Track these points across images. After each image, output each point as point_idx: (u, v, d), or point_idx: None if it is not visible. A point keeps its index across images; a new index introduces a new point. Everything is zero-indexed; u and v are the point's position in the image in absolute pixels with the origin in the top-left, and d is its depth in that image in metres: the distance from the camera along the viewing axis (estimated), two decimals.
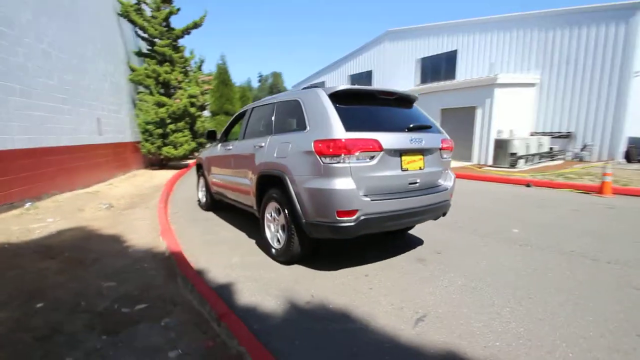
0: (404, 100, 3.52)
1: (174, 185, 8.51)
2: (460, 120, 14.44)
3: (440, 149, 3.35)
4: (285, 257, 3.26)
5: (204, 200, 5.84)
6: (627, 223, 4.68)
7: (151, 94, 10.96)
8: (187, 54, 12.27)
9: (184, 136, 11.69)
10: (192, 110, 11.46)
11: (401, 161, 3.00)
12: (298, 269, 3.17)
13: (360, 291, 2.73)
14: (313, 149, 2.81)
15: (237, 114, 4.85)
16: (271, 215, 3.47)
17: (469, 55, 17.61)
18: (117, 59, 10.08)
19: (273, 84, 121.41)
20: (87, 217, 5.06)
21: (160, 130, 10.90)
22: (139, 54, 11.37)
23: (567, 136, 14.24)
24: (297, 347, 1.96)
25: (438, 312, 2.38)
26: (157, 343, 1.96)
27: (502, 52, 16.30)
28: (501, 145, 11.82)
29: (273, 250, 3.40)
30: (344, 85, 3.31)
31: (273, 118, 3.62)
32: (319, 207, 2.80)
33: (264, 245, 3.66)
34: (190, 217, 5.35)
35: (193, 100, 11.50)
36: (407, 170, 3.04)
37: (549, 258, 3.40)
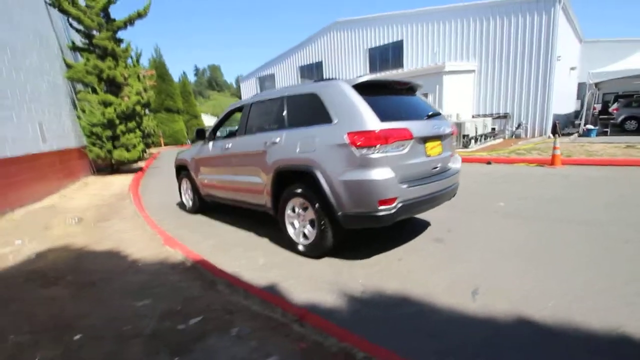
0: (411, 90, 3.66)
1: (138, 191, 7.83)
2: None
3: (451, 134, 3.57)
4: (317, 251, 3.24)
5: (190, 203, 5.49)
6: (586, 189, 5.43)
7: (94, 92, 9.82)
8: (122, 45, 11.15)
9: (136, 137, 10.75)
10: (138, 108, 10.54)
11: (425, 148, 3.15)
12: (331, 262, 3.18)
13: (403, 274, 2.84)
14: (347, 141, 2.81)
15: (228, 110, 4.60)
16: (294, 212, 3.41)
17: (415, 44, 18.55)
18: (52, 54, 8.83)
19: (211, 78, 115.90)
20: (59, 234, 4.46)
21: (109, 132, 9.86)
22: (74, 47, 10.08)
23: (505, 117, 15.88)
24: (385, 336, 2.00)
25: (485, 284, 2.58)
26: (243, 354, 1.86)
27: (444, 41, 17.43)
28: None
29: (300, 247, 3.36)
30: (367, 76, 3.32)
31: (284, 113, 3.52)
32: (359, 198, 2.82)
33: (284, 243, 3.60)
34: (179, 223, 5.00)
35: (139, 97, 10.58)
36: (430, 156, 3.20)
37: (544, 225, 3.83)
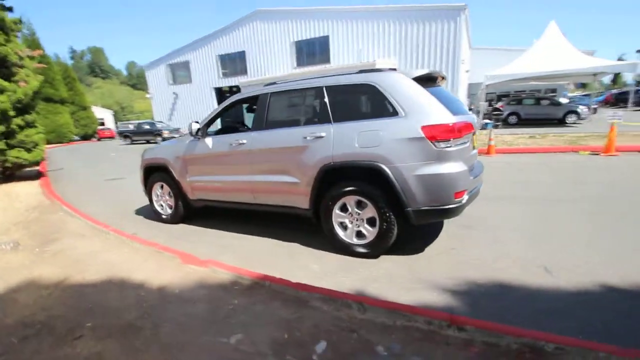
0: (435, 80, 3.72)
1: (64, 200, 6.27)
2: None
3: None
4: (377, 250, 3.11)
5: (169, 211, 4.63)
6: (535, 172, 6.46)
7: None
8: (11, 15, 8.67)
9: (37, 133, 8.57)
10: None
11: (473, 141, 3.29)
12: (391, 259, 3.10)
13: (470, 263, 2.94)
14: (423, 135, 2.75)
15: (230, 101, 3.99)
16: (345, 211, 3.19)
17: (340, 41, 19.18)
18: None
19: (93, 62, 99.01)
20: (7, 267, 3.27)
21: (2, 128, 7.59)
22: None
23: None
24: (533, 324, 2.05)
25: (549, 261, 2.86)
26: None
27: (367, 40, 18.47)
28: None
29: (359, 248, 3.17)
30: (423, 69, 3.25)
31: (327, 104, 3.24)
32: (436, 192, 2.80)
33: (320, 246, 3.41)
34: (165, 235, 4.18)
35: (39, 82, 8.44)
36: (474, 148, 3.36)
37: (536, 207, 4.43)
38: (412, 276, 2.77)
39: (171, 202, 4.57)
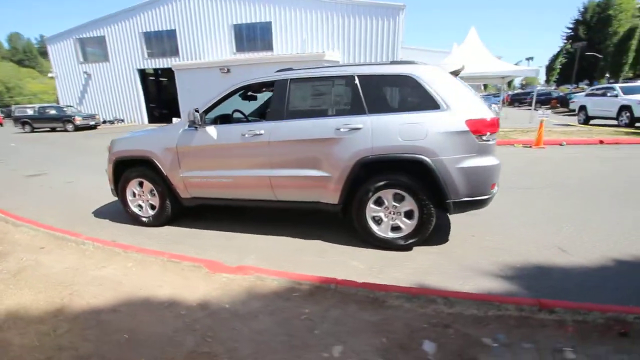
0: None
1: None
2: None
3: None
4: (414, 242, 3.13)
5: (151, 212, 3.98)
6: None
7: None
8: None
9: None
10: None
11: None
12: (425, 250, 3.16)
13: (499, 248, 3.14)
14: (468, 129, 2.83)
15: (238, 86, 3.56)
16: (381, 205, 3.13)
17: (284, 28, 18.67)
18: None
19: None
20: None
21: None
22: None
23: None
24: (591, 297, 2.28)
25: (560, 242, 3.22)
26: (533, 356, 1.75)
27: (312, 30, 18.34)
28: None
29: (397, 241, 3.14)
30: (459, 64, 3.27)
31: (360, 94, 3.09)
32: (476, 183, 2.91)
33: (353, 240, 3.31)
34: (155, 241, 3.60)
35: None
36: None
37: (517, 194, 4.96)
38: (458, 265, 2.86)
39: (155, 201, 3.93)
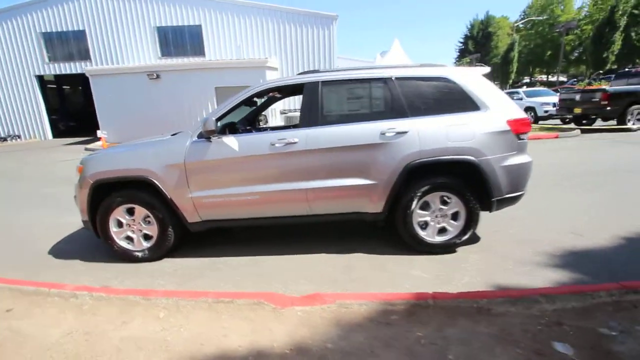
0: None
1: None
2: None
3: None
4: (460, 243, 3.11)
5: (146, 244, 3.26)
6: None
7: None
8: None
9: None
10: None
11: None
12: (470, 250, 3.18)
13: (534, 240, 3.28)
14: (509, 128, 2.94)
15: (259, 89, 3.14)
16: (426, 209, 3.06)
17: (216, 33, 17.71)
18: None
19: None
20: None
21: None
22: None
23: None
24: None
25: (574, 229, 3.55)
26: None
27: (247, 36, 17.75)
28: (291, 120, 13.68)
29: (448, 243, 3.08)
30: (485, 67, 3.32)
31: (401, 96, 2.99)
32: (517, 180, 3.03)
33: (392, 247, 3.19)
34: (164, 280, 2.95)
35: None
36: None
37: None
38: (512, 261, 2.93)
39: (151, 230, 3.22)
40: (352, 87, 3.10)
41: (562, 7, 46.66)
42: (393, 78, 3.02)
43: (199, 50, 17.79)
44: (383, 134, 2.92)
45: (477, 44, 58.14)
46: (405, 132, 2.91)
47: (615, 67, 28.53)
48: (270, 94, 3.78)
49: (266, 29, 17.62)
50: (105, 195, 3.18)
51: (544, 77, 49.22)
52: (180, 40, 17.84)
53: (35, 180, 7.95)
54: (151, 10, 17.24)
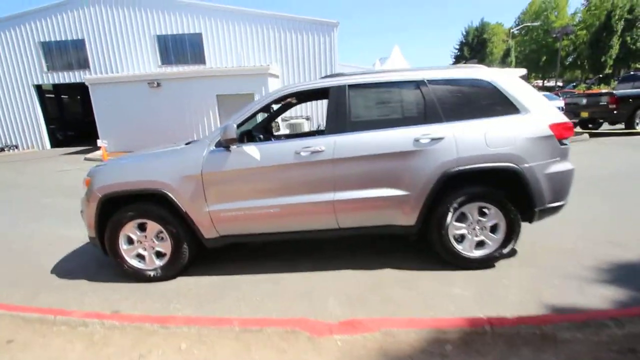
0: None
1: None
2: (240, 106, 14.55)
3: None
4: (499, 257, 2.89)
5: (158, 262, 3.01)
6: None
7: None
8: None
9: None
10: None
11: None
12: (510, 264, 2.96)
13: (576, 251, 3.07)
14: (552, 133, 2.74)
15: (283, 93, 2.93)
16: (465, 221, 2.84)
17: (216, 41, 17.60)
18: None
19: None
20: None
21: None
22: None
23: (307, 118, 18.38)
24: None
25: (610, 238, 3.33)
26: None
27: (248, 44, 17.65)
28: (295, 128, 13.50)
29: (487, 257, 2.86)
30: (521, 69, 3.13)
31: (434, 100, 2.78)
32: (560, 189, 2.82)
33: (423, 262, 2.95)
34: (181, 304, 2.69)
35: None
36: None
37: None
38: (557, 276, 2.71)
39: (164, 247, 2.98)
40: (382, 90, 2.89)
41: (556, 13, 47.30)
42: (425, 80, 2.83)
43: (199, 59, 17.65)
44: (417, 140, 2.71)
45: (473, 50, 58.56)
46: (441, 139, 2.70)
47: (610, 71, 28.76)
48: (288, 99, 3.58)
49: (267, 37, 17.54)
50: (114, 209, 2.94)
51: (539, 82, 49.55)
52: (180, 49, 17.71)
53: (33, 189, 7.67)
54: (151, 19, 17.13)
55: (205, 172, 2.80)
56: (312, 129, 17.17)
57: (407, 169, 2.73)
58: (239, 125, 2.85)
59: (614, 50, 27.33)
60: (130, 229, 2.96)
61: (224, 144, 2.77)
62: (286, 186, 2.81)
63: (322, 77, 3.03)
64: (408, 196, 2.75)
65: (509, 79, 2.84)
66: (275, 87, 16.86)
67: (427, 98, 2.80)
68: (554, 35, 29.05)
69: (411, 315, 2.30)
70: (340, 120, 2.81)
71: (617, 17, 26.49)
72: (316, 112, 18.05)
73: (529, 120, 2.74)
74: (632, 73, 13.40)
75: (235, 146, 2.80)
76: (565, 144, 2.82)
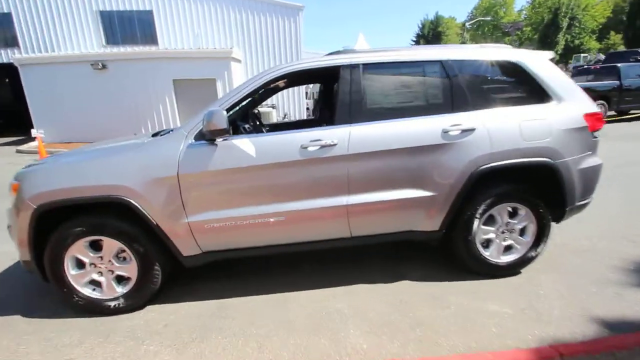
0: None
1: None
2: (201, 92, 13.39)
3: None
4: (523, 264, 2.60)
5: (120, 290, 2.33)
6: None
7: None
8: None
9: None
10: None
11: None
12: (536, 269, 2.68)
13: (600, 251, 2.90)
14: (586, 124, 2.45)
15: (279, 73, 2.32)
16: (493, 224, 2.50)
17: (170, 21, 16.01)
18: None
19: None
20: None
21: None
22: None
23: (273, 107, 17.51)
24: None
25: (624, 234, 3.20)
26: None
27: (205, 24, 16.28)
28: (257, 116, 12.69)
29: (523, 259, 2.55)
30: (550, 52, 2.76)
31: (461, 84, 2.37)
32: (590, 185, 2.57)
33: (463, 272, 2.60)
34: (170, 333, 2.08)
35: None
36: None
37: None
38: (592, 281, 2.47)
39: (129, 269, 2.30)
40: (402, 71, 2.42)
41: (504, 9, 49.99)
42: (451, 61, 2.40)
43: (150, 39, 15.96)
44: (446, 132, 2.29)
45: (428, 42, 60.14)
46: (472, 130, 2.30)
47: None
48: (281, 81, 2.98)
49: (227, 19, 16.28)
50: (56, 223, 2.20)
51: None
52: (128, 27, 15.88)
53: None
54: None
55: (184, 172, 2.16)
56: (279, 119, 16.43)
57: (434, 166, 2.30)
58: (227, 111, 2.23)
59: (560, 46, 29.41)
60: (79, 249, 2.24)
61: (208, 136, 2.14)
62: (289, 189, 2.25)
63: (328, 54, 2.47)
64: (434, 197, 2.34)
65: (541, 62, 2.50)
66: (239, 72, 15.78)
67: (454, 81, 2.38)
68: (506, 30, 30.61)
69: (453, 344, 1.91)
70: (354, 107, 2.30)
71: (562, 14, 28.46)
72: (281, 100, 17.29)
73: (563, 110, 2.44)
74: (585, 67, 14.22)
75: (222, 139, 2.18)
76: (597, 137, 2.56)
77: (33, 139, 11.41)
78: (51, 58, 12.87)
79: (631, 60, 14.41)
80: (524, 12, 47.44)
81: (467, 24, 49.85)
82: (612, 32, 34.32)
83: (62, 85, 12.51)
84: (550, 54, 2.65)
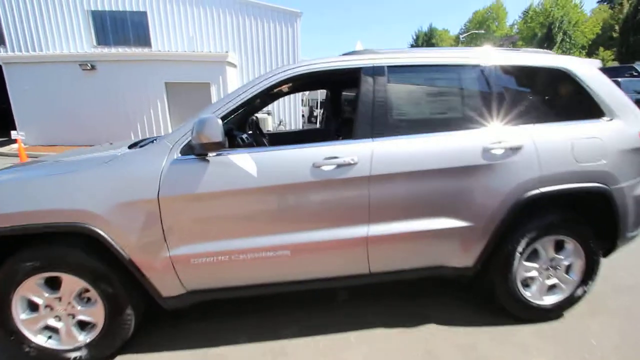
0: None
1: None
2: (194, 97, 12.94)
3: None
4: (568, 306, 2.21)
5: (84, 338, 1.87)
6: None
7: None
8: None
9: None
10: None
11: None
12: (587, 317, 2.30)
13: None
14: None
15: (287, 75, 1.92)
16: (536, 258, 2.11)
17: (164, 22, 15.58)
18: None
19: None
20: None
21: None
22: None
23: (269, 113, 17.11)
24: None
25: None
26: None
27: (200, 27, 15.92)
28: (257, 124, 12.27)
29: (570, 300, 2.17)
30: (597, 60, 2.43)
31: (505, 94, 2.00)
32: None
33: (473, 314, 2.19)
34: None
35: None
36: None
37: None
38: None
39: (94, 313, 1.84)
40: (433, 77, 2.04)
41: (497, 23, 50.72)
42: (492, 65, 2.03)
43: (143, 41, 15.49)
44: (487, 150, 1.90)
45: None
46: (519, 148, 1.93)
47: None
48: (285, 85, 2.58)
49: (223, 22, 15.95)
50: (3, 255, 1.74)
51: None
52: (121, 28, 15.40)
53: None
54: None
55: (166, 195, 1.72)
56: (275, 126, 16.04)
57: (473, 190, 1.92)
58: (223, 120, 1.80)
59: None
60: (32, 288, 1.77)
61: (198, 150, 1.72)
62: (297, 217, 1.84)
63: (345, 54, 2.08)
64: (471, 228, 1.95)
65: (592, 71, 2.15)
66: (234, 77, 15.39)
67: (496, 90, 2.01)
68: (500, 43, 30.91)
69: None
70: (377, 118, 1.90)
71: (556, 28, 28.84)
72: (276, 106, 16.93)
73: (618, 128, 2.08)
74: None
75: (215, 154, 1.76)
76: None
77: (14, 141, 10.79)
78: (37, 57, 12.33)
79: (626, 75, 14.48)
80: (516, 26, 48.22)
81: (461, 36, 50.41)
82: (601, 48, 34.99)
83: (48, 85, 11.96)
84: (598, 62, 2.31)
